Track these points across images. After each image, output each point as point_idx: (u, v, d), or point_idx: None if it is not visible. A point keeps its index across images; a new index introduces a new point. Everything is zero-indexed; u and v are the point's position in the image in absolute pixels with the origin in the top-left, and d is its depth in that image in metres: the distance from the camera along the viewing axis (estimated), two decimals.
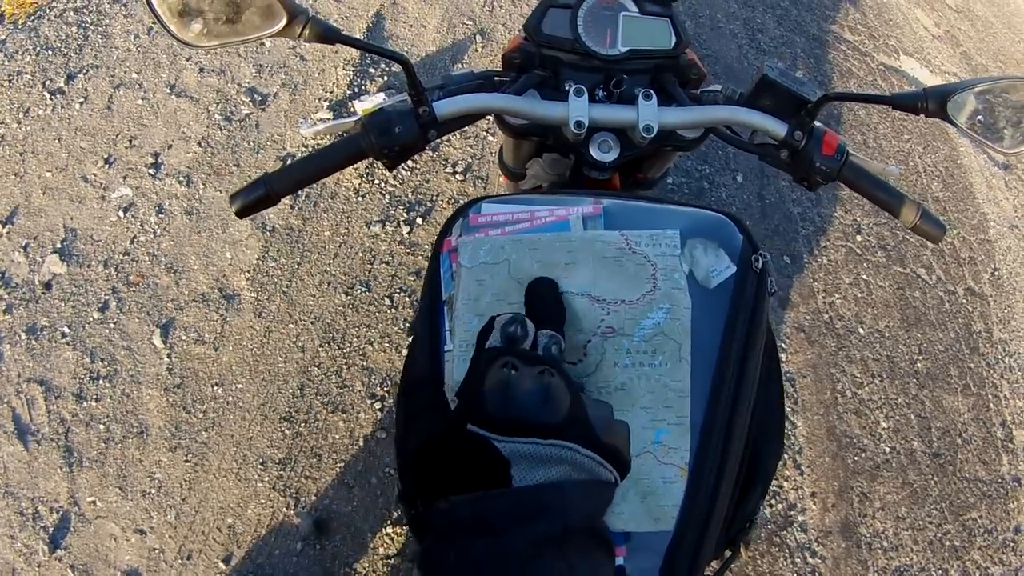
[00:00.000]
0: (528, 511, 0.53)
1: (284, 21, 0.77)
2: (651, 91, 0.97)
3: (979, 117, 0.89)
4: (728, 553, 0.85)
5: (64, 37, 2.71)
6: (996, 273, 2.97)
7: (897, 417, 2.42)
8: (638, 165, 1.27)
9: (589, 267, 0.78)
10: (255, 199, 0.86)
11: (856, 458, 2.30)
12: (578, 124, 0.94)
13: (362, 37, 2.84)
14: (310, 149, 2.50)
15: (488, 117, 1.01)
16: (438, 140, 1.16)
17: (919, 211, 0.96)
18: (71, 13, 2.78)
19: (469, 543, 0.52)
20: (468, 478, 0.57)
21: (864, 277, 2.71)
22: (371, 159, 0.90)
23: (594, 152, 1.00)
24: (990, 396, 2.60)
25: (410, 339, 0.94)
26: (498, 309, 0.76)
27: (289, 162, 2.31)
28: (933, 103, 0.87)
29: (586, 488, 0.58)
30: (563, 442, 0.56)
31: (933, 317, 2.71)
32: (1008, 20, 4.96)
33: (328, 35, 0.80)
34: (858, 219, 2.85)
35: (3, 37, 2.71)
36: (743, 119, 0.99)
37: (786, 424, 2.23)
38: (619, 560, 0.71)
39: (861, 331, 2.57)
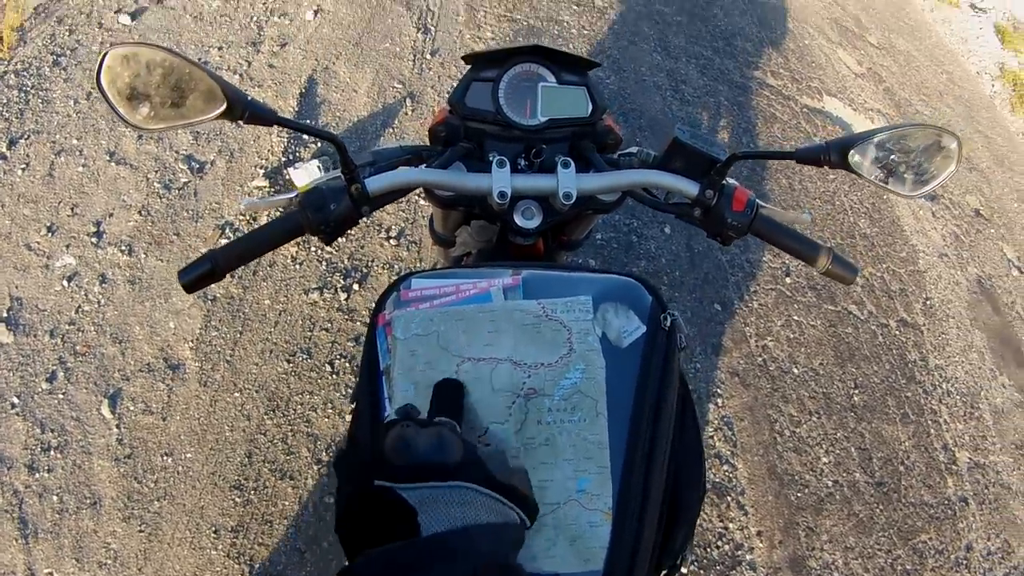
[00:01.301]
0: (437, 558, 0.60)
1: (224, 106, 0.84)
2: (569, 159, 1.07)
3: (880, 165, 0.97)
4: None
5: (5, 101, 2.85)
6: (928, 302, 3.21)
7: (837, 451, 2.62)
8: (562, 228, 1.37)
9: (510, 334, 0.89)
10: (201, 274, 0.92)
11: (799, 494, 2.48)
12: (501, 195, 1.02)
13: (295, 104, 3.05)
14: (247, 218, 2.67)
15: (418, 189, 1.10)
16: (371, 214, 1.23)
17: (830, 256, 1.04)
18: (12, 76, 2.92)
19: None
20: (381, 531, 0.65)
21: (796, 318, 2.92)
22: (310, 235, 0.98)
23: (518, 220, 1.08)
24: (930, 422, 2.82)
25: (352, 406, 1.04)
26: (430, 376, 0.87)
27: (232, 237, 2.58)
28: (835, 155, 0.96)
29: (492, 530, 0.65)
30: (462, 483, 0.65)
31: (867, 351, 2.93)
32: (930, 52, 5.32)
33: (266, 117, 0.88)
34: (787, 262, 3.06)
35: None
36: (657, 181, 1.08)
37: (726, 467, 2.41)
38: None
39: (795, 371, 2.77)
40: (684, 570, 1.04)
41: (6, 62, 3.01)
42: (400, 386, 0.87)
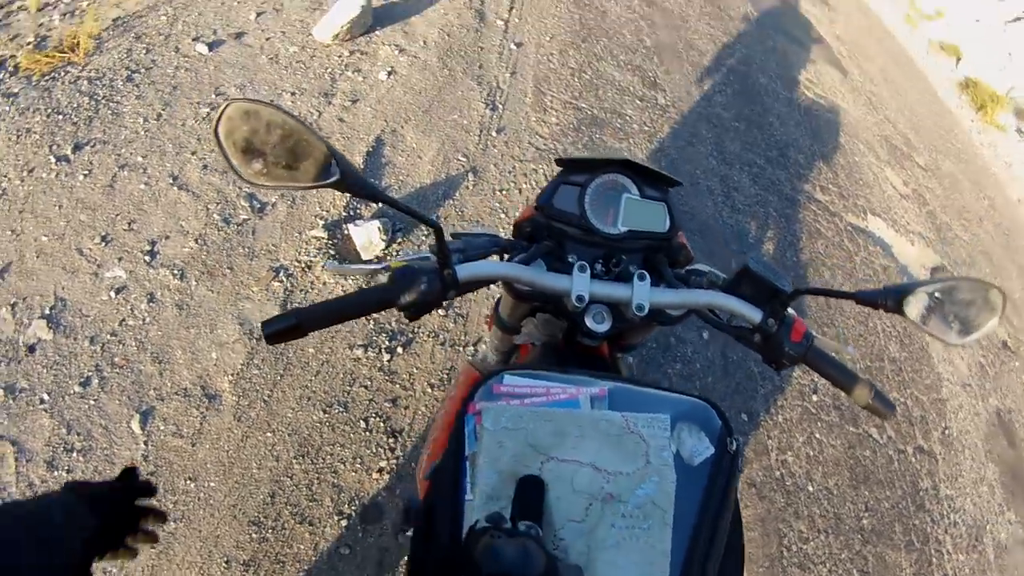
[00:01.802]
0: None
1: (336, 177, 0.90)
2: (645, 273, 1.13)
3: (930, 313, 1.04)
4: None
5: (76, 105, 2.99)
6: (946, 431, 3.31)
7: (840, 572, 2.69)
8: (622, 333, 1.45)
9: (595, 441, 0.95)
10: (285, 328, 0.96)
11: None
12: (579, 298, 1.09)
13: (361, 161, 3.18)
14: (302, 266, 2.77)
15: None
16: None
17: (872, 391, 1.11)
18: (85, 82, 3.06)
19: None
20: None
21: (817, 436, 3.02)
22: (395, 310, 1.03)
23: (589, 322, 1.13)
24: (933, 551, 2.90)
25: (429, 481, 1.12)
26: (516, 469, 0.93)
27: (286, 282, 2.74)
28: (891, 300, 1.04)
29: None
30: None
31: (882, 475, 3.02)
32: (974, 176, 5.53)
33: (372, 194, 0.94)
34: (815, 380, 3.15)
35: (16, 90, 2.97)
36: (724, 304, 1.14)
37: None
38: None
39: (810, 488, 2.86)
40: None
41: (80, 67, 3.15)
42: (484, 473, 0.93)
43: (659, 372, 2.93)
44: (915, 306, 1.04)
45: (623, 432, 0.97)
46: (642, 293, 1.11)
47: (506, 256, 1.23)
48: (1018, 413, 3.81)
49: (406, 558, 2.23)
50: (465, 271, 1.05)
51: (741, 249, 3.64)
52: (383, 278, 1.08)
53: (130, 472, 1.05)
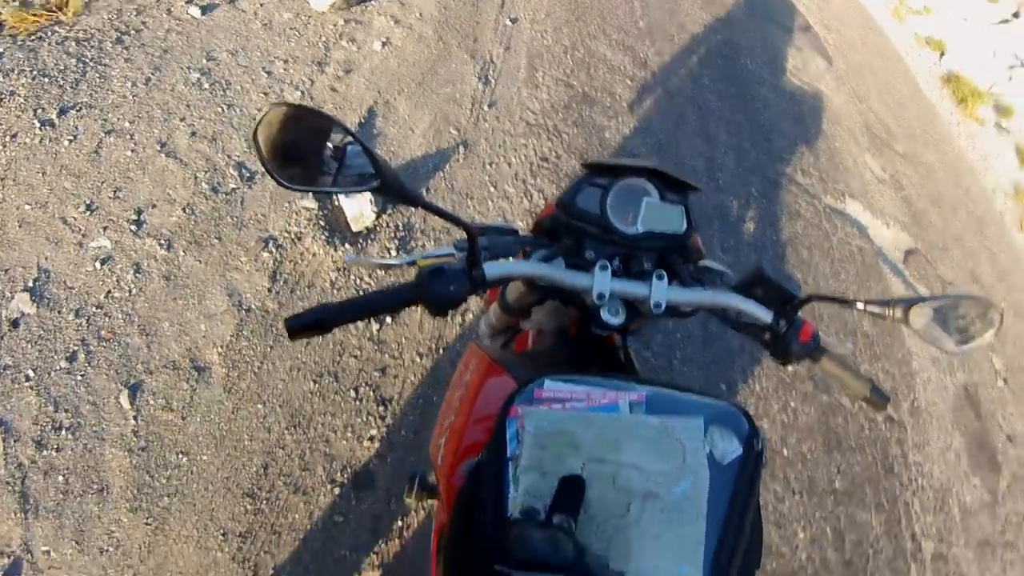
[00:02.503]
0: None
1: (376, 184, 0.90)
2: (663, 272, 1.18)
3: (934, 323, 1.13)
4: None
5: (62, 67, 2.89)
6: (915, 403, 3.40)
7: (814, 529, 2.78)
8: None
9: (635, 444, 1.02)
10: (308, 324, 0.98)
11: (774, 564, 2.64)
12: (600, 296, 1.14)
13: (354, 130, 3.14)
14: (291, 237, 2.75)
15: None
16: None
17: (870, 386, 1.20)
18: (72, 43, 2.96)
19: None
20: None
21: (792, 404, 3.09)
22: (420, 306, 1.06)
23: (605, 316, 1.17)
24: (901, 512, 3.00)
25: (466, 478, 1.15)
26: (556, 469, 0.99)
27: (275, 254, 2.70)
28: (899, 311, 1.13)
29: None
30: None
31: (853, 442, 3.11)
32: (951, 165, 5.64)
33: (411, 199, 0.96)
34: None
35: (1, 50, 2.86)
36: (738, 305, 1.20)
37: None
38: None
39: (786, 452, 2.93)
40: None
41: (68, 27, 3.04)
42: (527, 475, 0.99)
43: (641, 343, 2.98)
44: (920, 318, 1.13)
45: (661, 435, 1.04)
46: (660, 292, 1.15)
47: (527, 250, 1.28)
48: (985, 388, 3.93)
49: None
50: (493, 270, 1.09)
51: (723, 227, 3.68)
52: (403, 271, 1.12)
53: None
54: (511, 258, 1.20)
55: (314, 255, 2.72)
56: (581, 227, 1.27)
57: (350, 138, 0.91)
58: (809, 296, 1.17)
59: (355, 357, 2.57)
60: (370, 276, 2.76)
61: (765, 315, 1.20)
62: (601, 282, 1.15)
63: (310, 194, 2.87)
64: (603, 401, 1.07)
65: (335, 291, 2.70)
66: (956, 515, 3.25)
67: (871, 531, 2.93)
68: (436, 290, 1.04)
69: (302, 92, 3.22)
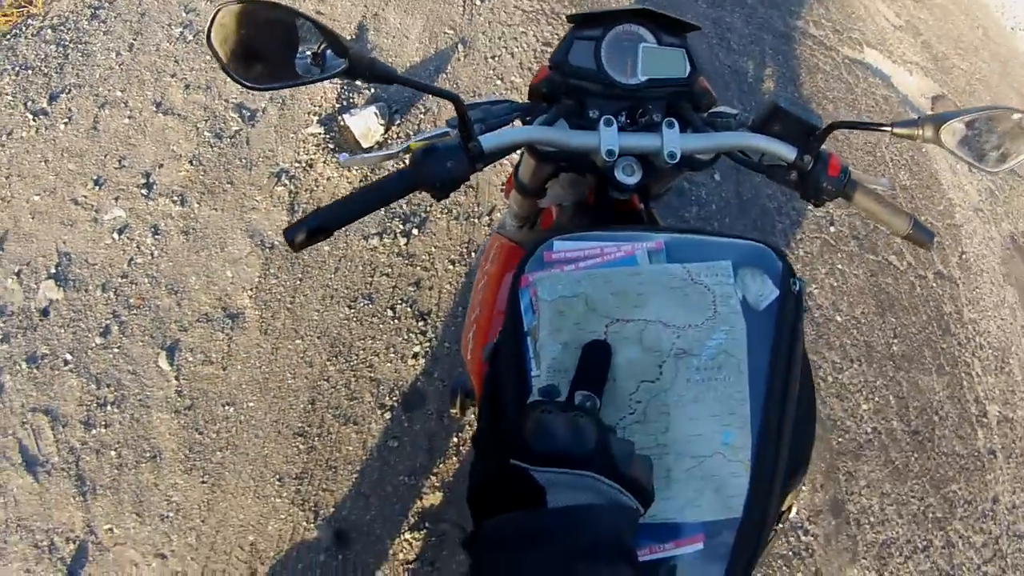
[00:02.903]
0: (562, 526, 0.61)
1: (345, 65, 0.79)
2: (674, 120, 1.01)
3: (967, 143, 0.99)
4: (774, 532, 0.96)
5: (43, 56, 2.64)
6: (963, 256, 3.04)
7: (877, 399, 2.48)
8: (649, 182, 1.30)
9: (658, 297, 0.85)
10: (309, 232, 0.88)
11: (840, 439, 2.35)
12: (609, 153, 0.98)
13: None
14: (303, 166, 2.46)
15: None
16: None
17: (911, 221, 1.05)
18: (48, 31, 2.70)
19: (515, 554, 0.60)
20: (511, 503, 0.66)
21: (839, 266, 2.76)
22: (422, 191, 0.94)
23: (619, 175, 1.02)
24: (963, 375, 2.67)
25: (488, 363, 0.97)
26: (578, 336, 0.83)
27: (288, 185, 2.37)
28: (928, 130, 0.96)
29: (610, 511, 0.65)
30: (589, 473, 0.64)
31: (906, 302, 2.77)
32: (965, 7, 5.07)
33: (387, 76, 0.83)
34: (831, 211, 2.89)
35: None
36: (759, 145, 1.04)
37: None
38: (699, 545, 0.80)
39: (839, 318, 2.62)
40: (794, 512, 0.88)
41: (41, 17, 2.77)
42: (547, 346, 0.84)
43: (676, 217, 2.69)
44: (951, 135, 0.98)
45: (686, 283, 0.87)
46: (673, 140, 1.00)
47: (526, 120, 1.11)
48: None
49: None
50: (490, 141, 0.95)
51: (741, 90, 3.31)
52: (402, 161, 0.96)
53: None
54: (510, 127, 1.03)
55: (328, 179, 2.46)
56: (579, 85, 1.09)
57: (309, 23, 0.79)
58: (832, 124, 0.99)
59: (386, 275, 2.32)
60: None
61: (788, 152, 1.03)
62: (608, 138, 0.99)
63: (315, 122, 2.60)
64: (618, 255, 0.89)
65: None
66: (1018, 375, 2.90)
67: (934, 397, 2.62)
68: (433, 170, 0.91)
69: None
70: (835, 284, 2.70)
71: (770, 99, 1.04)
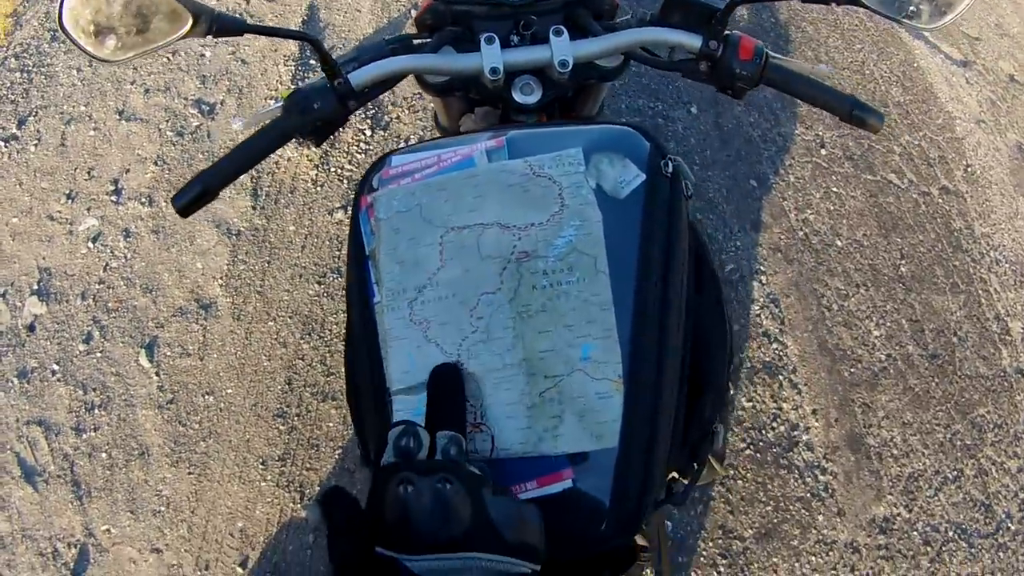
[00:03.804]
0: None
1: (190, 22, 0.78)
2: (562, 28, 0.95)
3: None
4: (695, 466, 0.84)
5: (9, 84, 2.69)
6: (969, 169, 2.87)
7: (888, 324, 2.36)
8: (571, 105, 1.25)
9: (495, 197, 0.78)
10: (194, 197, 0.85)
11: (852, 370, 2.24)
12: (493, 71, 0.92)
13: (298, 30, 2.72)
14: None
15: (417, 87, 1.02)
16: (372, 116, 1.18)
17: (851, 103, 0.94)
18: (12, 60, 2.76)
19: None
20: None
21: (835, 189, 2.63)
22: (299, 139, 0.91)
23: (517, 96, 0.98)
24: (980, 292, 2.53)
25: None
26: (414, 253, 0.77)
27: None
28: None
29: None
30: (470, 554, 0.56)
31: (911, 220, 2.64)
32: None
33: (235, 28, 0.81)
34: (820, 133, 2.76)
35: None
36: (656, 38, 0.97)
37: (775, 345, 2.22)
38: (568, 482, 0.70)
39: (839, 243, 2.50)
40: (717, 447, 0.78)
41: (5, 48, 2.83)
42: (386, 267, 0.78)
43: None
44: None
45: (527, 179, 0.78)
46: (562, 48, 0.93)
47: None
48: None
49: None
50: (359, 76, 0.90)
51: None
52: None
53: None
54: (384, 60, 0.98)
55: (288, 159, 2.48)
56: (464, 10, 1.02)
57: None
58: (731, 1, 0.90)
59: None
60: (358, 152, 2.48)
61: (692, 40, 0.95)
62: (490, 57, 0.92)
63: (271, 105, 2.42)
64: (454, 159, 0.82)
65: (318, 188, 2.46)
66: None
67: (951, 317, 2.46)
68: (301, 115, 0.88)
69: (239, 13, 2.85)
70: (832, 208, 2.58)
71: None
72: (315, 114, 0.88)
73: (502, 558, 0.57)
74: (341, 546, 0.69)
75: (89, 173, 2.44)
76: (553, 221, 0.75)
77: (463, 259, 0.75)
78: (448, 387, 0.72)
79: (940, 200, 2.71)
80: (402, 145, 2.39)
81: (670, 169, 0.80)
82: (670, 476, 0.87)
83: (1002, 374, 2.33)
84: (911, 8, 0.86)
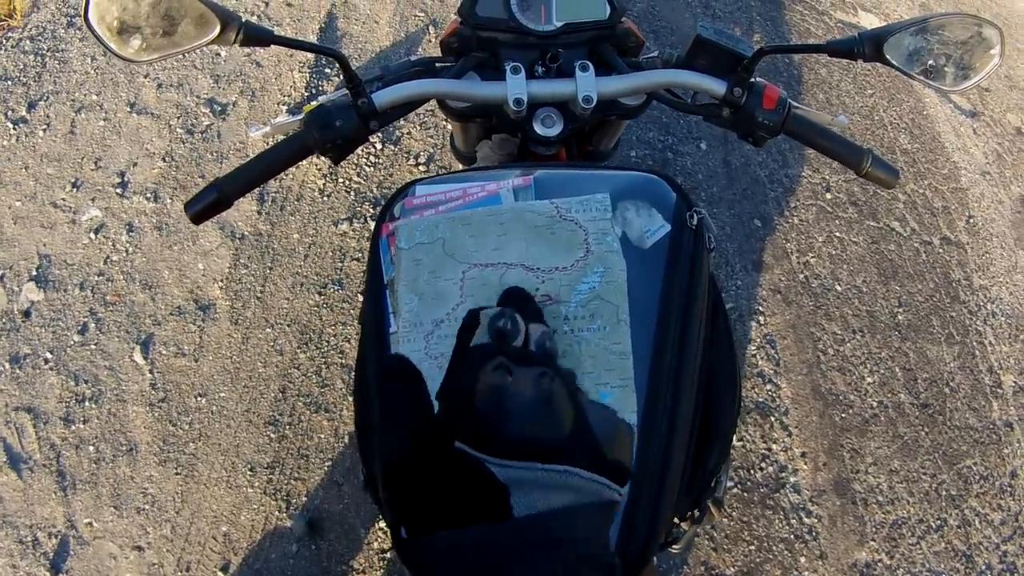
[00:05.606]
0: (537, 545, 0.48)
1: (218, 29, 0.78)
2: (588, 62, 0.96)
3: (918, 57, 0.88)
4: (696, 513, 0.85)
5: (22, 66, 2.70)
6: (971, 220, 2.93)
7: (882, 371, 2.41)
8: (588, 139, 1.26)
9: (521, 237, 0.78)
10: (208, 204, 0.86)
11: (844, 415, 2.28)
12: (517, 101, 0.93)
13: (315, 39, 2.84)
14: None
15: (432, 104, 1.02)
16: (382, 130, 1.16)
17: (869, 157, 0.95)
18: (27, 42, 2.76)
19: None
20: (460, 503, 0.51)
21: (837, 234, 2.68)
22: (317, 155, 0.91)
23: (538, 128, 0.99)
24: (975, 343, 2.58)
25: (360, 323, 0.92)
26: (434, 287, 0.77)
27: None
28: (869, 46, 0.87)
29: (591, 512, 0.52)
30: (567, 468, 0.50)
31: (910, 268, 2.68)
32: None
33: (262, 37, 0.82)
34: (826, 177, 2.82)
35: None
36: (682, 81, 0.98)
37: (769, 386, 2.25)
38: None
39: (838, 288, 2.55)
40: (719, 494, 0.81)
41: (20, 29, 2.84)
42: (404, 299, 0.77)
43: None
44: (897, 50, 0.88)
45: (554, 221, 0.79)
46: (587, 84, 0.95)
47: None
48: None
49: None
50: (382, 97, 0.92)
51: None
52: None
53: None
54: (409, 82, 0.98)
55: (297, 167, 2.38)
56: (491, 37, 1.03)
57: None
58: (760, 50, 0.92)
59: (357, 260, 2.34)
60: (367, 165, 2.50)
61: (717, 86, 0.96)
62: (515, 86, 0.94)
63: (284, 111, 2.63)
64: (481, 194, 0.82)
65: (324, 198, 2.47)
66: None
67: (944, 367, 2.52)
68: (322, 130, 0.88)
69: (258, 16, 2.90)
70: (834, 252, 2.63)
71: (692, 31, 0.99)
72: (336, 132, 0.89)
73: (597, 477, 0.52)
74: (397, 433, 0.60)
75: (96, 163, 2.45)
76: (578, 266, 0.76)
77: (484, 297, 0.75)
78: (524, 296, 0.72)
79: (941, 250, 2.76)
80: (411, 162, 2.48)
81: (695, 221, 0.81)
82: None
83: (991, 426, 2.38)
84: (935, 70, 0.89)
